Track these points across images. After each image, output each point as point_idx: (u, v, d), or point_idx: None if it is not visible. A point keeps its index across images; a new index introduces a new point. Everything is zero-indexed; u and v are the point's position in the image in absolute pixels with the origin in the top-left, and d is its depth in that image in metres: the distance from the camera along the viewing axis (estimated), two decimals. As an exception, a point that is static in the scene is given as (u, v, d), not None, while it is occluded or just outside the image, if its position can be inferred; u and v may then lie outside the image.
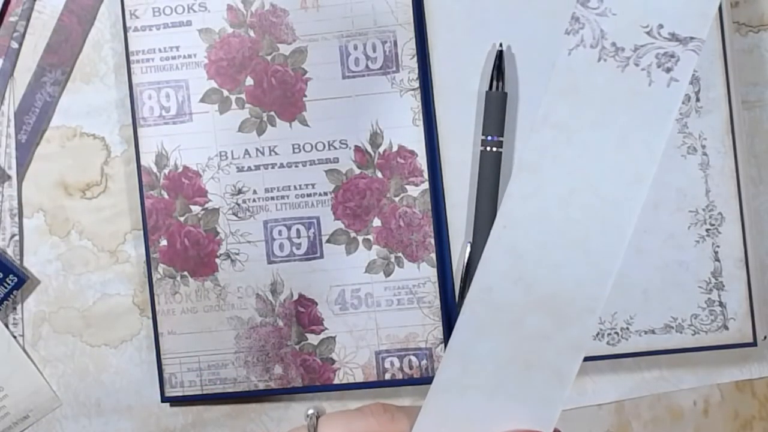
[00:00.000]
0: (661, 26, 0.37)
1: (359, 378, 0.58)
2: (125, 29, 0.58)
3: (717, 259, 0.56)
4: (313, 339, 0.58)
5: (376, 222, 0.57)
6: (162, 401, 0.59)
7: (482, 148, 0.56)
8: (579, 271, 0.38)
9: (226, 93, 0.58)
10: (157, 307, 0.58)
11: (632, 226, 0.38)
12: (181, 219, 0.58)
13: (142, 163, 0.58)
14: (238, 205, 0.58)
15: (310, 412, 0.42)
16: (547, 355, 0.39)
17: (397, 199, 0.57)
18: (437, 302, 0.57)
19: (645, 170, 0.38)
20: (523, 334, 0.39)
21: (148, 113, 0.58)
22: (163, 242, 0.58)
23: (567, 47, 0.38)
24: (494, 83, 0.56)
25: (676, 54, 0.37)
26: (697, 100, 0.56)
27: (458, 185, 0.57)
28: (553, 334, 0.39)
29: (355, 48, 0.57)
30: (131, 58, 0.58)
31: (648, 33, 0.37)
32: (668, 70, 0.37)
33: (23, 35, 0.59)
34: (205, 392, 0.58)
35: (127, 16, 0.58)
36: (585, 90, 0.38)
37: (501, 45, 0.56)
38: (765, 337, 0.56)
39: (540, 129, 0.38)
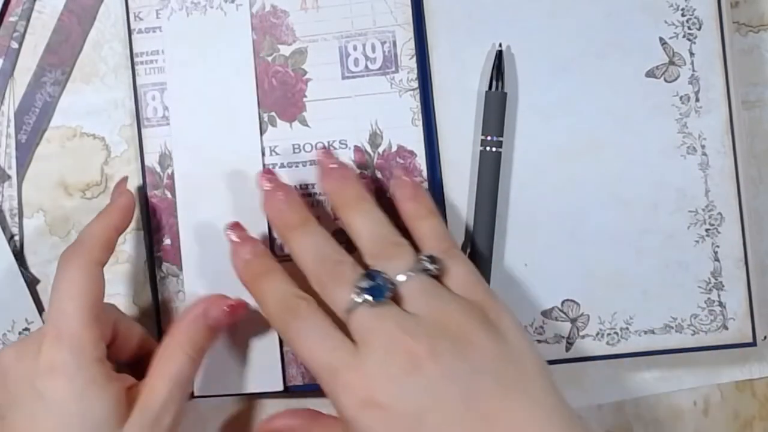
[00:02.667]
0: None
1: (359, 378, 0.57)
2: (129, 31, 0.58)
3: (717, 259, 0.56)
4: (313, 339, 0.58)
5: (376, 222, 0.57)
6: (162, 401, 0.59)
7: (482, 148, 0.56)
8: None
9: (226, 93, 0.58)
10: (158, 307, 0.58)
11: None
12: (182, 219, 0.58)
13: (146, 163, 0.58)
14: (238, 205, 0.58)
15: None
16: None
17: (397, 199, 0.57)
18: (437, 302, 0.57)
19: None
20: None
21: (152, 114, 0.58)
22: (167, 241, 0.58)
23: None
24: (494, 83, 0.56)
25: None
26: (697, 100, 0.56)
27: (458, 185, 0.57)
28: None
29: (355, 48, 0.57)
30: (135, 59, 0.58)
31: None
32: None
33: (23, 35, 0.59)
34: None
35: (132, 18, 0.58)
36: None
37: (501, 45, 0.56)
38: (765, 337, 0.56)
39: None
